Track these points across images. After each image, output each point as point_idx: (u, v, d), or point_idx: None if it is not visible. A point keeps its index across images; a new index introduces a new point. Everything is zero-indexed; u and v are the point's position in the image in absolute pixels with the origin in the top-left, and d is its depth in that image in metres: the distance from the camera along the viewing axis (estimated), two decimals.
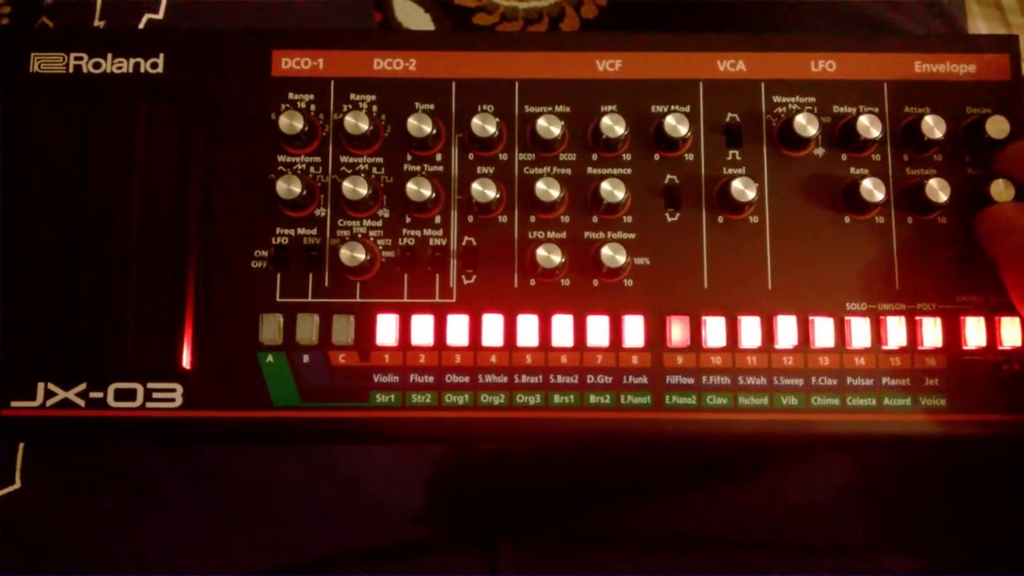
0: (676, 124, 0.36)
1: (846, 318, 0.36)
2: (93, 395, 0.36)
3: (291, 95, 0.38)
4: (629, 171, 0.37)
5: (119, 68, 0.38)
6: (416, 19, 1.00)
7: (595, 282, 0.37)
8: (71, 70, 0.38)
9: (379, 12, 0.99)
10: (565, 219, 0.37)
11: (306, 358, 0.36)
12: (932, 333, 0.36)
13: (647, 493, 0.44)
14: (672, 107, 0.37)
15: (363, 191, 0.36)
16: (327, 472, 0.45)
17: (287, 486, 0.45)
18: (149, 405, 0.36)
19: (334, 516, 0.45)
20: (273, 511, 0.44)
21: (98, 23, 0.43)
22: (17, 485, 0.39)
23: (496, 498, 0.47)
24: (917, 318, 0.36)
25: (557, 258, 0.35)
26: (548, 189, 0.36)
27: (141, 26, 0.43)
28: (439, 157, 0.37)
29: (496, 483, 0.47)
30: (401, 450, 0.46)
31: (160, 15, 0.43)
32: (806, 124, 0.36)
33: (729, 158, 0.37)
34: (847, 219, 0.37)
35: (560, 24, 0.97)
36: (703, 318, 0.36)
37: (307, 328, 0.36)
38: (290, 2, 0.48)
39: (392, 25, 0.98)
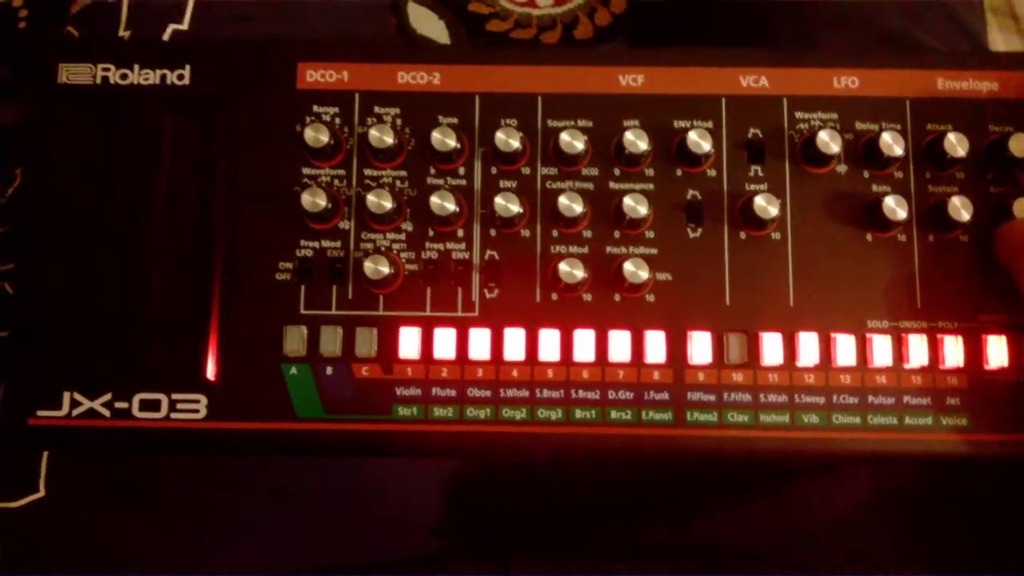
0: (699, 140, 0.36)
1: (868, 336, 0.36)
2: (118, 405, 0.36)
3: (316, 108, 0.38)
4: (651, 186, 0.37)
5: (146, 79, 0.38)
6: (430, 25, 1.00)
7: (617, 297, 0.37)
8: (98, 81, 0.38)
9: (394, 17, 0.99)
10: (587, 234, 0.37)
11: (329, 370, 0.36)
12: (954, 352, 0.36)
13: (665, 507, 0.44)
14: (695, 122, 0.38)
15: (388, 205, 0.36)
16: (344, 483, 0.45)
17: (305, 496, 0.45)
18: (173, 416, 0.36)
19: (350, 526, 0.46)
20: (291, 521, 0.45)
21: (123, 33, 0.43)
22: (41, 493, 0.39)
23: (512, 510, 0.47)
24: (939, 336, 0.36)
25: (580, 273, 0.36)
26: (571, 204, 0.36)
27: (166, 36, 0.43)
28: (462, 171, 0.38)
29: (513, 495, 0.47)
30: (419, 461, 0.46)
31: (184, 25, 0.43)
32: (829, 141, 0.36)
33: (751, 174, 0.37)
34: (869, 236, 0.37)
35: (574, 31, 0.97)
36: (725, 334, 0.36)
37: (331, 340, 0.36)
38: (310, 4, 0.49)
39: (406, 31, 0.98)
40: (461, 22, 0.99)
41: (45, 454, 0.40)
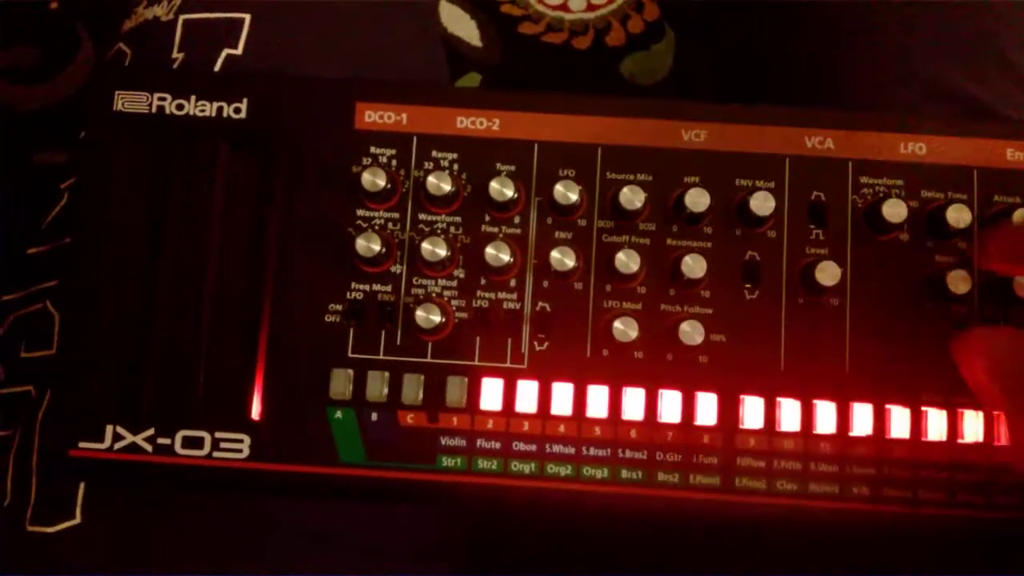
0: (762, 203, 0.36)
1: (922, 408, 0.36)
2: (161, 441, 0.36)
3: (373, 149, 0.37)
4: (709, 244, 0.37)
5: (202, 111, 0.37)
6: (462, 26, 0.99)
7: (669, 356, 0.36)
8: (154, 110, 0.37)
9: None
10: (641, 290, 0.37)
11: (375, 416, 0.36)
12: None
13: (695, 560, 0.44)
14: (757, 182, 0.37)
15: (442, 253, 0.35)
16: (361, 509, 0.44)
17: (323, 523, 0.44)
18: (216, 454, 0.36)
19: (362, 553, 0.45)
20: (311, 548, 0.44)
21: (176, 55, 0.43)
22: (77, 520, 0.39)
23: (539, 550, 0.47)
24: (994, 413, 0.36)
25: (634, 332, 0.35)
26: (628, 262, 0.35)
27: (220, 61, 0.42)
28: (517, 220, 0.37)
29: (541, 535, 0.46)
30: None
31: (239, 50, 0.43)
32: (895, 211, 0.35)
33: (812, 237, 0.37)
34: (929, 307, 0.36)
35: (606, 38, 0.96)
36: (778, 400, 0.36)
37: (377, 386, 0.36)
38: (362, 37, 0.48)
39: (438, 31, 0.98)
40: (493, 23, 0.98)
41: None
